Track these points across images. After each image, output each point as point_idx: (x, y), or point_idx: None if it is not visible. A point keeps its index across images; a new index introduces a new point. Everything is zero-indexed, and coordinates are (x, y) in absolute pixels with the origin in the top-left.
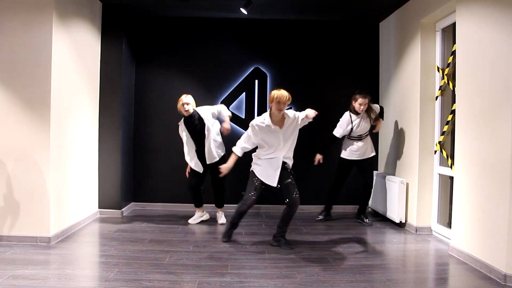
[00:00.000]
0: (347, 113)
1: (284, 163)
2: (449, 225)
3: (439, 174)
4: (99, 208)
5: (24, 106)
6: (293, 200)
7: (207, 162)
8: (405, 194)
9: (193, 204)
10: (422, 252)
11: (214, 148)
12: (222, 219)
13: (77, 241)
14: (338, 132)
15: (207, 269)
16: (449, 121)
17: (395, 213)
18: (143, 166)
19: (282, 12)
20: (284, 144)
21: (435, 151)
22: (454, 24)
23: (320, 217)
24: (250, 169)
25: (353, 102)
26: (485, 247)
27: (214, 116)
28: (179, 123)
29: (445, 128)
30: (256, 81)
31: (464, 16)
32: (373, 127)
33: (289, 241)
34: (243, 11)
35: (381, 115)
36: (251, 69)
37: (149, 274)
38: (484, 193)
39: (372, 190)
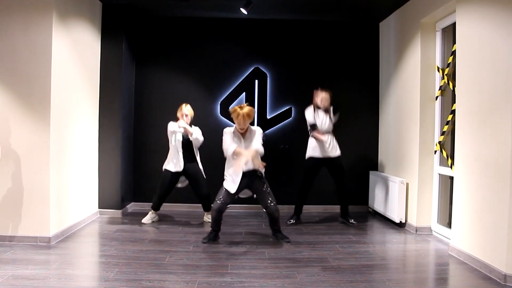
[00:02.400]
0: (310, 107)
1: (256, 171)
2: (449, 225)
3: (439, 174)
4: (99, 208)
5: (24, 106)
6: (269, 210)
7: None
8: (405, 194)
9: (193, 204)
10: (422, 252)
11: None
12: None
13: (77, 241)
14: (311, 120)
15: (207, 269)
16: (449, 121)
17: (395, 213)
18: (143, 166)
19: (282, 12)
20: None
21: (435, 151)
22: (454, 24)
23: (292, 221)
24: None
25: (316, 99)
26: (485, 247)
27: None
28: (169, 124)
29: (445, 128)
30: (256, 81)
31: (464, 16)
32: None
33: (285, 235)
34: (243, 11)
35: (335, 111)
36: (251, 69)
37: (149, 274)
38: (484, 193)
39: (372, 191)
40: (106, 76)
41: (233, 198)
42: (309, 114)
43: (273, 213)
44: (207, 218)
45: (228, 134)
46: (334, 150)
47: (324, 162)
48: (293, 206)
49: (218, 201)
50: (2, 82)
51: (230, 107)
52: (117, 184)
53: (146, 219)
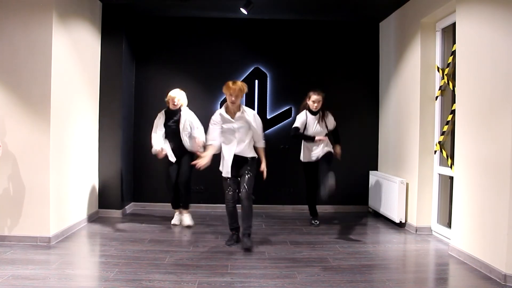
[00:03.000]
0: (303, 112)
1: (245, 158)
2: (449, 225)
3: (439, 174)
4: (99, 208)
5: (24, 106)
6: (241, 195)
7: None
8: (405, 194)
9: (192, 204)
10: (422, 252)
11: (185, 143)
12: (187, 220)
13: (77, 241)
14: (295, 124)
15: (207, 269)
16: (449, 121)
17: (395, 213)
18: (143, 166)
19: (282, 12)
20: (237, 134)
21: (435, 151)
22: (454, 24)
23: (317, 221)
24: None
25: (307, 100)
26: (485, 247)
27: (188, 126)
28: (159, 113)
29: (445, 128)
30: (256, 81)
31: (464, 16)
32: (332, 153)
33: (249, 243)
34: (243, 11)
35: (336, 138)
36: (251, 69)
37: (149, 274)
38: (484, 193)
39: (372, 191)
40: (106, 76)
41: (236, 182)
42: (298, 119)
43: (243, 200)
44: (183, 216)
45: (214, 125)
46: (323, 151)
47: (313, 162)
48: (294, 206)
49: (229, 192)
50: (2, 82)
51: None
52: (117, 184)
53: (176, 220)
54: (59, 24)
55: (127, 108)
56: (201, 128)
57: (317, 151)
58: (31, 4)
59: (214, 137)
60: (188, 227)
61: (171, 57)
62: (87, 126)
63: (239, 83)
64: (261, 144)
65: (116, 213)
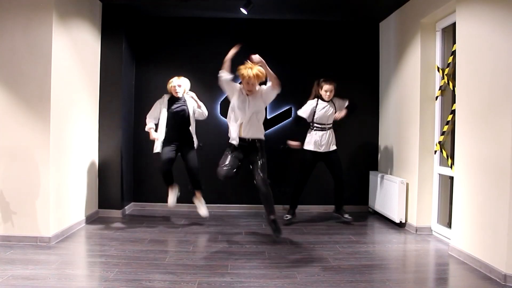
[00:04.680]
0: (314, 100)
1: (254, 142)
2: (449, 225)
3: (439, 174)
4: (99, 208)
5: (24, 106)
6: (257, 182)
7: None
8: (405, 194)
9: (192, 204)
10: (422, 252)
11: (192, 128)
12: (203, 210)
13: (77, 241)
14: (301, 111)
15: (207, 269)
16: (449, 121)
17: (395, 213)
18: (143, 166)
19: (282, 12)
20: (248, 114)
21: (435, 151)
22: (454, 24)
23: (288, 216)
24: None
25: (319, 89)
26: (485, 247)
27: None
28: (164, 95)
29: (445, 128)
30: None
31: (464, 16)
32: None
33: (279, 227)
34: (243, 11)
35: (351, 109)
36: None
37: (149, 274)
38: (484, 193)
39: (372, 191)
40: (106, 76)
41: (236, 162)
42: (307, 106)
43: (260, 187)
44: (197, 201)
45: (234, 86)
46: (329, 146)
47: (320, 156)
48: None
49: (223, 167)
50: (2, 82)
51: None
52: (117, 184)
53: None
54: (59, 24)
55: (127, 108)
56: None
57: (324, 142)
58: (31, 4)
59: (227, 74)
60: (204, 217)
61: (171, 57)
62: (87, 126)
63: (256, 68)
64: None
65: (116, 213)
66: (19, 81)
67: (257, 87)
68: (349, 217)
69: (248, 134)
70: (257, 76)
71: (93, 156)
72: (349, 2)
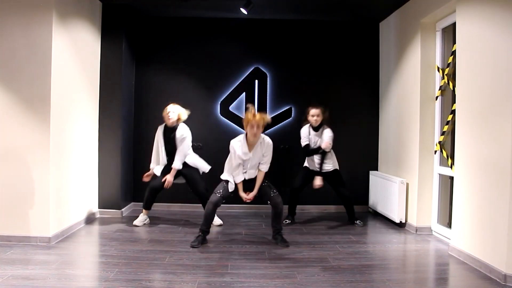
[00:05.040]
0: (306, 126)
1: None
2: (449, 225)
3: (439, 174)
4: (99, 208)
5: (24, 106)
6: (273, 199)
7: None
8: (405, 194)
9: (193, 204)
10: (422, 252)
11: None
12: (217, 220)
13: (77, 241)
14: (304, 140)
15: (207, 269)
16: (449, 121)
17: (395, 213)
18: (143, 166)
19: (282, 12)
20: (251, 165)
21: (435, 151)
22: (454, 24)
23: (287, 221)
24: None
25: (308, 116)
26: (485, 247)
27: (181, 142)
28: (158, 127)
29: (445, 128)
30: (256, 81)
31: (464, 16)
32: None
33: (285, 239)
34: (243, 11)
35: (316, 151)
36: (251, 69)
37: (149, 274)
38: (484, 193)
39: (372, 191)
40: (106, 76)
41: (230, 195)
42: (303, 134)
43: (277, 205)
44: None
45: (233, 152)
46: (325, 166)
47: (318, 173)
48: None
49: (217, 194)
50: (2, 82)
51: (230, 107)
52: (117, 184)
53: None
54: (59, 24)
55: (127, 108)
56: (184, 152)
57: (319, 163)
58: (31, 4)
59: (232, 169)
60: (220, 226)
61: (171, 57)
62: (87, 126)
63: (258, 116)
64: (264, 168)
65: (115, 213)
66: (19, 81)
67: (262, 136)
68: (360, 222)
69: (249, 176)
70: (257, 125)
71: (93, 156)
72: (349, 2)
